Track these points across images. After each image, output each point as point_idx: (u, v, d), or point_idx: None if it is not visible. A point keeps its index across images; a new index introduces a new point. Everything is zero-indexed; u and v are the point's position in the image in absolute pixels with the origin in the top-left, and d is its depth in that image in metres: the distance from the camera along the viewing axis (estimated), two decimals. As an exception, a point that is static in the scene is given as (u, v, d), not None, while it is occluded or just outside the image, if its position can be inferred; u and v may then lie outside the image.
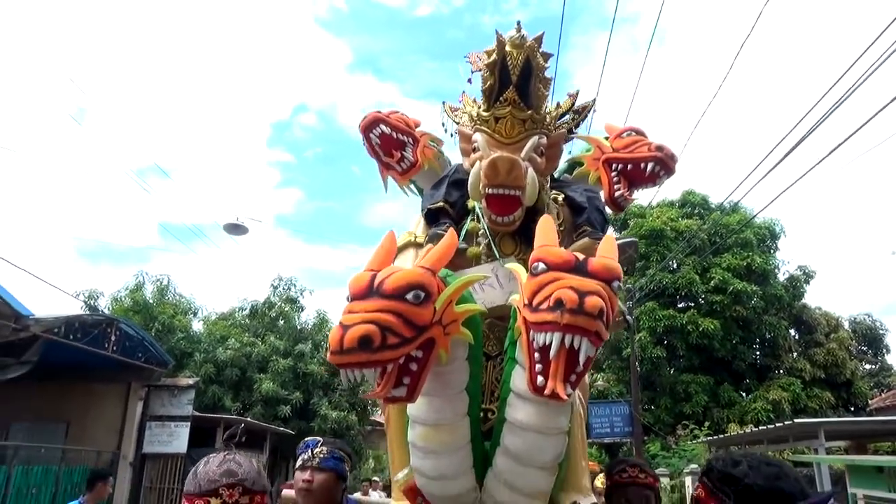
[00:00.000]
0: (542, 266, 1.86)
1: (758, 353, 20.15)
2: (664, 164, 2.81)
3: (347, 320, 1.69)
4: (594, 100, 3.14)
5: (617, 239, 2.58)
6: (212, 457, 1.70)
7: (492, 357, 2.44)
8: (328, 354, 1.70)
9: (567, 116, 3.02)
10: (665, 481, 14.06)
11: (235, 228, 18.50)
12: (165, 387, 12.43)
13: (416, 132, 3.02)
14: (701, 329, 18.16)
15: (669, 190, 27.10)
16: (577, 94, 3.06)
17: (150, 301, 18.55)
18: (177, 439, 12.11)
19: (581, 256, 1.88)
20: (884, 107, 5.81)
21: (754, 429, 10.71)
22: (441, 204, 2.74)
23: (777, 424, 9.70)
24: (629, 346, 16.93)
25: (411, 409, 2.08)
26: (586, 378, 2.67)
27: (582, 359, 1.70)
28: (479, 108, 2.64)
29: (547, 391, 1.72)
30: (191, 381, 12.81)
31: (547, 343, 1.72)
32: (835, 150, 6.43)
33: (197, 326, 20.20)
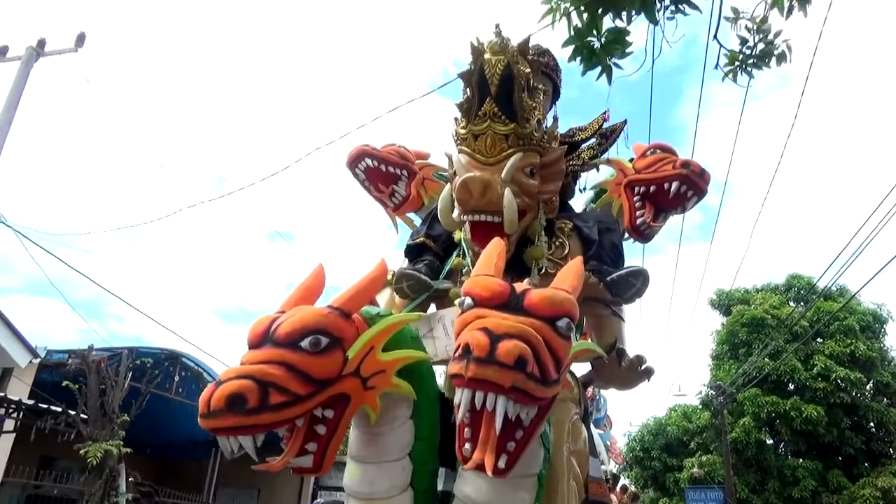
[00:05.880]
0: (468, 301, 1.50)
1: (871, 438, 20.25)
2: (692, 183, 2.43)
3: (224, 374, 1.37)
4: (625, 121, 2.74)
5: (625, 267, 2.36)
6: None
7: None
8: (199, 417, 1.36)
9: (591, 140, 2.70)
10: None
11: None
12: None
13: (414, 165, 2.74)
14: (804, 415, 18.73)
15: (774, 274, 27.61)
16: (606, 113, 2.71)
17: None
18: (342, 507, 14.92)
19: (522, 288, 1.51)
20: None
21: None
22: (421, 239, 2.43)
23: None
24: (733, 429, 18.05)
25: (345, 477, 1.72)
26: (584, 440, 2.23)
27: (498, 423, 1.30)
28: (460, 125, 2.31)
29: (469, 464, 1.36)
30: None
31: (458, 402, 1.35)
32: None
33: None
